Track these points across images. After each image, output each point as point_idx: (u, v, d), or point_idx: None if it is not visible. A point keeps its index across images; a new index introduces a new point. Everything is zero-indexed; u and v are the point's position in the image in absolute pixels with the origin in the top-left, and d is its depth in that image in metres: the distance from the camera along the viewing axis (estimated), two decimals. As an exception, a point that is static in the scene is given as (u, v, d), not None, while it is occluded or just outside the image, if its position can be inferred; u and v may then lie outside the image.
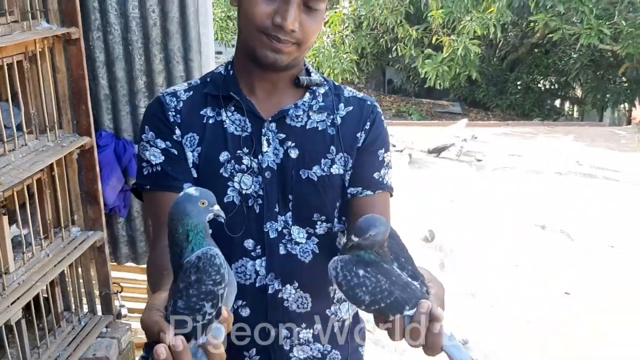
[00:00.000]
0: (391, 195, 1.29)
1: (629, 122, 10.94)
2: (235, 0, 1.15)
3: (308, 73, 1.23)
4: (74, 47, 2.28)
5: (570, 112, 12.77)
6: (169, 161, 1.16)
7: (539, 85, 12.10)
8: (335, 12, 8.81)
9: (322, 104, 1.22)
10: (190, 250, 0.85)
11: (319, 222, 1.21)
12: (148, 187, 1.18)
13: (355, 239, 0.94)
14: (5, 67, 2.00)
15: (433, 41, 8.57)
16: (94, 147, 2.44)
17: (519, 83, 11.57)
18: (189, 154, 1.17)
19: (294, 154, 1.18)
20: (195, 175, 1.17)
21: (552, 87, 12.46)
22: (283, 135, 1.18)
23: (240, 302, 1.19)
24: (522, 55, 11.77)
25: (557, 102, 12.90)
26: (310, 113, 1.20)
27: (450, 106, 11.80)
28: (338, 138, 1.21)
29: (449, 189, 5.86)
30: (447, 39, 8.21)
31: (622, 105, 11.29)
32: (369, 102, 1.26)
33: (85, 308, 2.59)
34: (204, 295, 0.83)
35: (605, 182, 6.26)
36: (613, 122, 11.53)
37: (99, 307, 2.64)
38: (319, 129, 1.20)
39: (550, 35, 8.63)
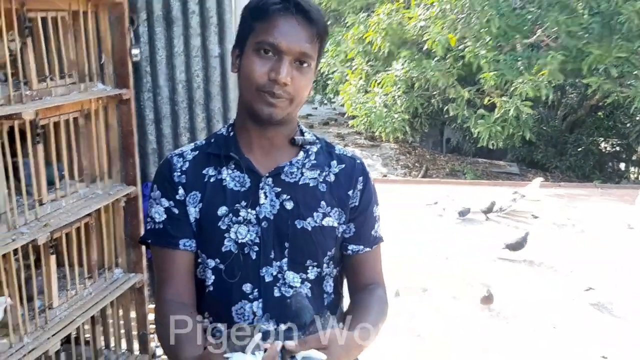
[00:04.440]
0: (382, 241, 1.43)
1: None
2: (235, 68, 1.32)
3: (302, 134, 1.37)
4: (125, 106, 2.55)
5: (636, 176, 12.41)
6: (169, 220, 1.31)
7: (600, 147, 11.87)
8: (388, 74, 9.04)
9: (315, 162, 1.35)
10: None
11: (310, 267, 1.32)
12: (150, 241, 1.34)
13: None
14: (62, 123, 2.27)
15: (485, 102, 8.64)
16: (138, 196, 2.67)
17: (579, 145, 11.39)
18: (192, 210, 1.31)
19: (289, 205, 1.30)
20: (196, 229, 1.31)
21: (614, 149, 12.19)
22: (279, 189, 1.31)
23: None
24: (582, 116, 11.63)
25: (622, 165, 12.60)
26: (304, 170, 1.33)
27: (507, 166, 11.70)
28: (330, 194, 1.34)
29: (496, 247, 5.84)
30: (499, 100, 8.27)
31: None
32: (358, 161, 1.40)
33: (124, 346, 2.77)
34: None
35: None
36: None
37: (136, 347, 2.82)
38: (310, 185, 1.33)
39: (605, 98, 8.56)
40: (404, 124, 8.96)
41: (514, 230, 6.43)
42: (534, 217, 6.79)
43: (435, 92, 9.23)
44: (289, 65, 1.23)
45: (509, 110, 8.11)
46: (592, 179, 10.36)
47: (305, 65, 1.26)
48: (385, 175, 9.98)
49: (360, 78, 9.67)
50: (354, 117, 9.59)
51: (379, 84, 9.15)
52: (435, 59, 8.71)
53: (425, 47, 8.73)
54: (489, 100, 8.53)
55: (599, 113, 11.81)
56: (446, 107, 9.15)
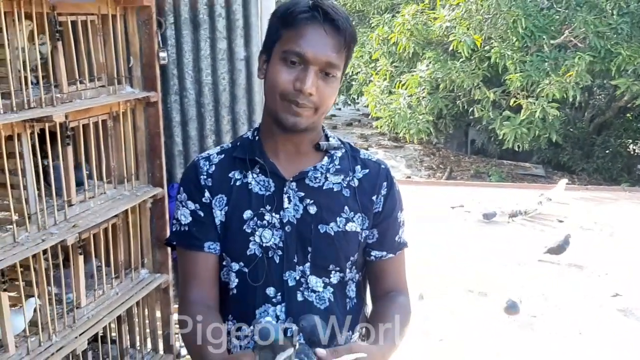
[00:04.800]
0: (406, 247, 1.43)
1: None
2: (261, 74, 1.32)
3: (327, 138, 1.37)
4: (153, 108, 2.58)
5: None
6: (195, 222, 1.33)
7: (629, 149, 11.66)
8: (412, 75, 9.00)
9: (339, 167, 1.35)
10: None
11: (333, 272, 1.33)
12: (175, 243, 1.36)
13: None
14: (91, 125, 2.31)
15: (511, 103, 8.54)
16: (165, 197, 2.69)
17: (606, 147, 11.20)
18: (218, 213, 1.32)
19: (312, 210, 1.31)
20: (221, 232, 1.32)
21: (643, 151, 11.98)
22: (302, 194, 1.31)
23: None
24: (610, 118, 11.43)
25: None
26: (328, 175, 1.34)
27: (533, 168, 11.55)
28: (354, 199, 1.34)
29: (520, 251, 5.78)
30: (525, 101, 8.18)
31: None
32: (383, 167, 1.39)
33: (149, 346, 2.80)
34: None
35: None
36: None
37: (161, 346, 2.85)
38: (334, 190, 1.33)
39: (634, 100, 8.41)
40: (429, 125, 8.90)
41: (539, 233, 6.36)
42: (559, 221, 6.70)
43: (460, 94, 9.15)
44: (315, 75, 1.23)
45: (535, 111, 8.01)
46: (620, 182, 10.18)
47: (331, 75, 1.25)
48: (409, 177, 9.92)
49: (385, 79, 9.63)
50: (377, 118, 9.55)
51: (403, 85, 9.11)
52: (461, 60, 8.64)
53: (451, 48, 8.67)
54: (515, 102, 8.44)
55: (628, 115, 11.60)
56: (471, 109, 9.06)
